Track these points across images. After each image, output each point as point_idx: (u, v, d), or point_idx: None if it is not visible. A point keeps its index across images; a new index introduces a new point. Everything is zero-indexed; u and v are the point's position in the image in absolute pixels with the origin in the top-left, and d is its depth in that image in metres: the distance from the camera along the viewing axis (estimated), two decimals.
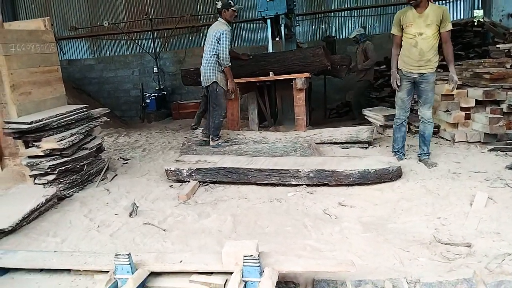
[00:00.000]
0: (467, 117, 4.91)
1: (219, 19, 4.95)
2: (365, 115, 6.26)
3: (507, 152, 4.33)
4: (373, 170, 3.69)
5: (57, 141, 3.85)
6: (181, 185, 4.18)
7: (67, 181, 4.01)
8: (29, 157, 3.90)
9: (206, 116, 5.38)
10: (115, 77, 10.89)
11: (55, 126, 3.96)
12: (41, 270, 2.39)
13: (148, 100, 9.94)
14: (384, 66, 7.70)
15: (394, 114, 4.42)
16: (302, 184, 3.83)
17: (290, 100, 6.00)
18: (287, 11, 6.11)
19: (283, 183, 3.89)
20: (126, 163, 5.25)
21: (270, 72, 5.77)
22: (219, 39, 4.79)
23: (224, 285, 2.04)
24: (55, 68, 4.62)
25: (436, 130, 5.11)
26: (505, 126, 4.52)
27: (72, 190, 4.06)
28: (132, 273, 2.10)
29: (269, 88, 6.56)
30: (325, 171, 3.76)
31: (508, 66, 4.94)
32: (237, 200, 3.68)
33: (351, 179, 3.71)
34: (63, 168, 3.93)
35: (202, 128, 5.36)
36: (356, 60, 7.19)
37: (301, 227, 3.00)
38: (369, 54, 7.06)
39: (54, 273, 2.35)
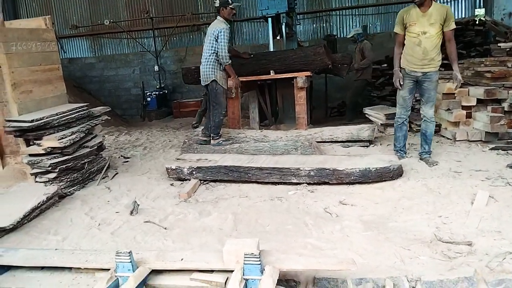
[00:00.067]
0: (468, 115, 4.90)
1: (218, 17, 4.95)
2: (366, 113, 6.25)
3: (508, 151, 4.32)
4: (374, 169, 3.69)
5: (58, 140, 3.86)
6: (182, 183, 4.18)
7: (68, 179, 4.02)
8: (30, 155, 3.91)
9: (206, 115, 5.37)
10: (116, 76, 10.90)
11: (56, 124, 3.97)
12: (42, 268, 2.39)
13: (149, 99, 9.93)
14: (385, 65, 7.69)
15: (395, 113, 4.41)
16: (303, 183, 3.83)
17: (291, 99, 6.00)
18: (288, 10, 6.10)
19: (284, 181, 3.89)
20: (127, 161, 5.25)
21: (271, 71, 5.77)
22: (217, 37, 4.78)
23: (225, 283, 2.04)
24: (56, 66, 4.62)
25: (437, 129, 5.10)
26: (506, 125, 4.51)
27: (73, 188, 4.06)
28: (133, 271, 2.10)
29: (270, 87, 6.56)
30: (326, 169, 3.76)
31: (509, 65, 4.93)
32: (238, 199, 3.68)
33: (352, 178, 3.71)
34: (64, 166, 3.94)
35: (202, 128, 5.36)
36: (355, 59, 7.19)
37: (302, 226, 3.00)
38: (366, 53, 7.06)
39: (55, 271, 2.35)
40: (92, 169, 4.40)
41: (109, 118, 5.31)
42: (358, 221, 3.00)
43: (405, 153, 4.43)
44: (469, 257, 2.37)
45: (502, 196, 3.18)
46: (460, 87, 4.21)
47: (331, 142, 5.21)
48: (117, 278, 2.12)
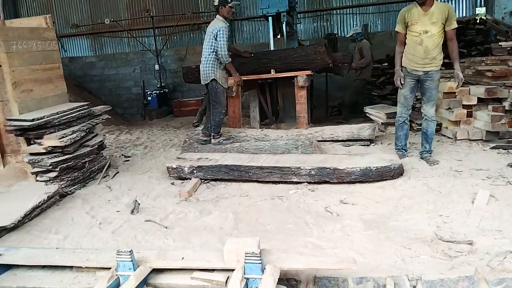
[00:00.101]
0: (469, 115, 4.90)
1: (217, 16, 4.94)
2: (367, 112, 6.25)
3: (509, 150, 4.32)
4: (374, 168, 3.69)
5: (59, 139, 3.86)
6: (182, 182, 4.18)
7: (69, 178, 4.02)
8: (31, 154, 3.91)
9: (206, 115, 5.37)
10: (116, 75, 10.90)
11: (56, 123, 3.97)
12: (44, 266, 2.39)
13: (149, 98, 9.94)
14: (386, 64, 7.69)
15: (396, 112, 4.41)
16: (304, 182, 3.83)
17: (291, 98, 5.99)
18: (288, 9, 6.10)
19: (284, 180, 3.89)
20: (128, 160, 5.25)
21: (272, 70, 5.77)
22: (216, 36, 4.78)
23: (226, 282, 2.04)
24: (57, 65, 4.62)
25: (438, 128, 5.10)
26: (507, 124, 4.50)
27: (74, 187, 4.06)
28: (134, 270, 2.10)
29: (271, 86, 6.56)
30: (327, 168, 3.76)
31: (510, 63, 4.91)
32: (238, 198, 3.68)
33: (353, 177, 3.71)
34: (64, 165, 3.94)
35: (202, 128, 5.36)
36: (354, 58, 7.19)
37: (302, 225, 3.00)
38: (364, 53, 7.06)
39: (56, 270, 2.35)
40: (93, 168, 4.41)
41: (110, 117, 5.31)
42: (359, 220, 3.00)
43: (406, 151, 4.43)
44: (470, 256, 2.37)
45: (503, 195, 3.18)
46: (461, 86, 4.21)
47: (332, 141, 5.21)
48: (118, 277, 2.12)
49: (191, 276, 2.11)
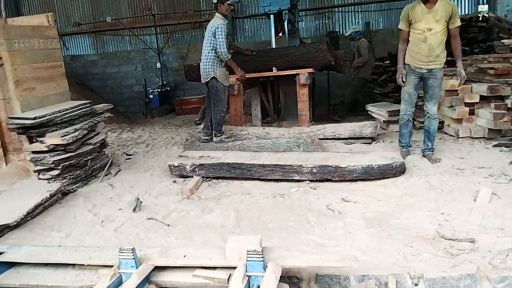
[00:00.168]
0: (471, 112, 4.89)
1: (216, 14, 4.94)
2: (369, 110, 6.24)
3: (511, 148, 4.31)
4: (376, 166, 3.68)
5: (61, 137, 3.87)
6: (184, 180, 4.19)
7: (71, 176, 4.03)
8: (33, 152, 3.92)
9: (206, 113, 5.36)
10: (118, 73, 10.89)
11: (58, 121, 3.98)
12: (46, 264, 2.40)
13: (151, 96, 9.93)
14: (388, 62, 7.66)
15: (399, 110, 4.40)
16: (305, 180, 3.83)
17: (293, 96, 5.98)
18: (290, 6, 6.08)
19: (286, 178, 3.89)
20: (130, 158, 5.26)
21: (273, 68, 5.75)
22: (215, 33, 4.78)
23: (228, 279, 2.04)
24: (58, 63, 4.63)
25: (440, 126, 5.08)
26: (509, 121, 4.50)
27: (76, 185, 4.08)
28: (136, 268, 2.11)
29: (272, 84, 6.54)
30: (328, 166, 3.75)
31: None
32: (240, 196, 3.68)
33: (355, 175, 3.70)
34: (67, 163, 3.95)
35: (202, 127, 5.36)
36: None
37: (304, 223, 3.00)
38: (362, 52, 7.04)
39: (59, 268, 2.36)
40: (95, 166, 4.42)
41: (112, 115, 5.32)
42: (361, 218, 3.00)
43: (410, 146, 4.42)
44: (471, 254, 2.37)
45: (505, 193, 3.17)
46: (463, 84, 4.20)
47: (334, 139, 5.21)
48: (120, 275, 2.13)
49: (193, 274, 2.12)
